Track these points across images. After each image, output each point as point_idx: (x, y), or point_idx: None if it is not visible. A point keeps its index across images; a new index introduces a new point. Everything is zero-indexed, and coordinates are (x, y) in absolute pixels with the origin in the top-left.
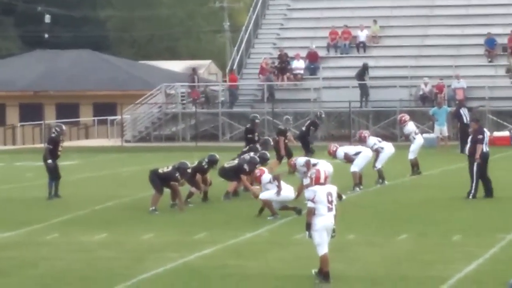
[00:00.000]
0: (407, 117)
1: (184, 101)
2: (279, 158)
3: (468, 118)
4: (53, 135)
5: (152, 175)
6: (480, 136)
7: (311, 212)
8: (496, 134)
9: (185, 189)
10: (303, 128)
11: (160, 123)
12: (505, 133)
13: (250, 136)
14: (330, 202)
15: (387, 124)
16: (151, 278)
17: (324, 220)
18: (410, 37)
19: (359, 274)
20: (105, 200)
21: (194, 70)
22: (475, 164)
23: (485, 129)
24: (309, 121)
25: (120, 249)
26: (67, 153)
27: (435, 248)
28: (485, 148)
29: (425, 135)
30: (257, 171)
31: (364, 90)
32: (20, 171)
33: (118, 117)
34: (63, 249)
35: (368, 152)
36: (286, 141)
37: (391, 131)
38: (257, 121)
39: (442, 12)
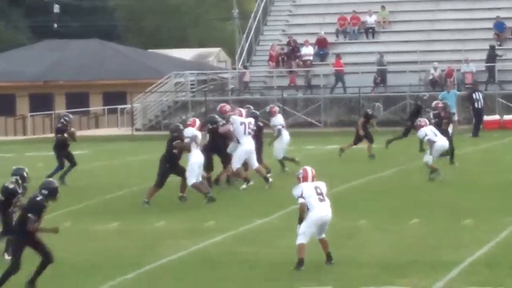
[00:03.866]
0: (276, 108)
1: (194, 89)
2: (358, 139)
3: (482, 102)
4: (59, 125)
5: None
6: None
7: (303, 208)
8: (506, 117)
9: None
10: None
11: (170, 112)
12: None
13: None
14: (320, 194)
15: (397, 109)
16: (163, 266)
17: (320, 211)
18: (419, 21)
19: (370, 260)
20: (116, 189)
21: (287, 54)
22: None
23: None
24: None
25: (132, 237)
26: (77, 143)
27: (446, 233)
28: None
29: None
30: None
31: (491, 74)
32: (30, 162)
33: (128, 106)
34: (75, 238)
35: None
36: (369, 126)
37: (401, 116)
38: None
39: None
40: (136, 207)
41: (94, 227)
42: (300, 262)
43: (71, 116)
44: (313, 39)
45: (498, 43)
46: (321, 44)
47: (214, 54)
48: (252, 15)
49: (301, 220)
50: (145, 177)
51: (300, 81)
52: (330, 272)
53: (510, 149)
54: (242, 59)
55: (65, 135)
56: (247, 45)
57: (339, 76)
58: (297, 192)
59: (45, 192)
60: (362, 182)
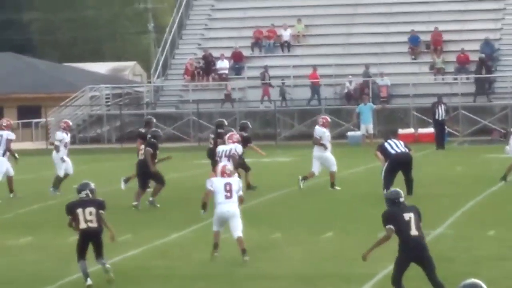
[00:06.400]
0: None
1: (109, 103)
2: None
3: (443, 114)
4: None
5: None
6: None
7: (208, 194)
8: (421, 131)
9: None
10: None
11: (85, 125)
12: (430, 130)
13: None
14: (228, 191)
15: (312, 122)
16: (77, 281)
17: (221, 208)
18: (335, 35)
19: (284, 273)
20: (30, 204)
21: (265, 67)
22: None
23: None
24: None
25: (46, 252)
26: None
27: (360, 245)
28: (396, 150)
29: (350, 133)
30: None
31: (481, 85)
32: None
33: (43, 120)
34: None
35: None
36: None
37: None
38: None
39: (366, 10)
40: (50, 221)
41: (7, 242)
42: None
43: None
44: (228, 53)
45: (413, 56)
46: (237, 58)
47: (129, 67)
48: (168, 28)
49: (203, 204)
50: (59, 191)
51: (213, 95)
52: (244, 285)
53: (425, 163)
54: (157, 72)
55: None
56: (162, 58)
57: (315, 88)
58: (208, 185)
59: None
60: (278, 195)
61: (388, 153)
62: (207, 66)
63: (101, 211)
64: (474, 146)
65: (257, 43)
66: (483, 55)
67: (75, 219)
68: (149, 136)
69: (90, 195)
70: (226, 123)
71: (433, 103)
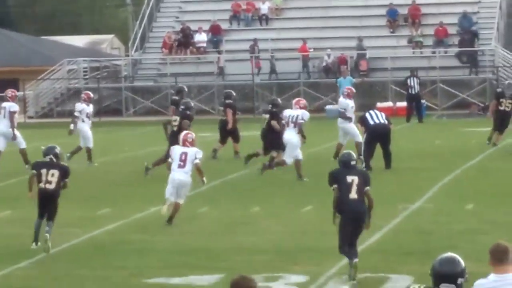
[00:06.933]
0: None
1: (87, 76)
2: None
3: (416, 88)
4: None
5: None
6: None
7: (169, 166)
8: (399, 104)
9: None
10: None
11: (63, 99)
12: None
13: None
14: (183, 160)
15: (291, 96)
16: (56, 254)
17: (173, 175)
18: (313, 8)
19: (263, 247)
20: (9, 177)
21: (255, 41)
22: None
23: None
24: None
25: (25, 225)
26: None
27: None
28: (375, 121)
29: (329, 106)
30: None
31: (472, 59)
32: None
33: (21, 93)
34: None
35: None
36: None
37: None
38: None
39: None
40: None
41: None
42: (170, 219)
43: None
44: (206, 26)
45: (391, 30)
46: (215, 31)
47: (107, 41)
48: (146, 1)
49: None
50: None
51: (191, 69)
52: (223, 259)
53: (403, 136)
54: (135, 46)
55: None
56: (140, 32)
57: (305, 61)
58: (170, 152)
59: None
60: (257, 169)
61: (367, 123)
62: (185, 39)
63: (66, 180)
64: (452, 119)
65: (235, 16)
66: (475, 29)
67: (38, 176)
68: (182, 107)
69: (55, 159)
70: (234, 94)
71: (406, 77)
